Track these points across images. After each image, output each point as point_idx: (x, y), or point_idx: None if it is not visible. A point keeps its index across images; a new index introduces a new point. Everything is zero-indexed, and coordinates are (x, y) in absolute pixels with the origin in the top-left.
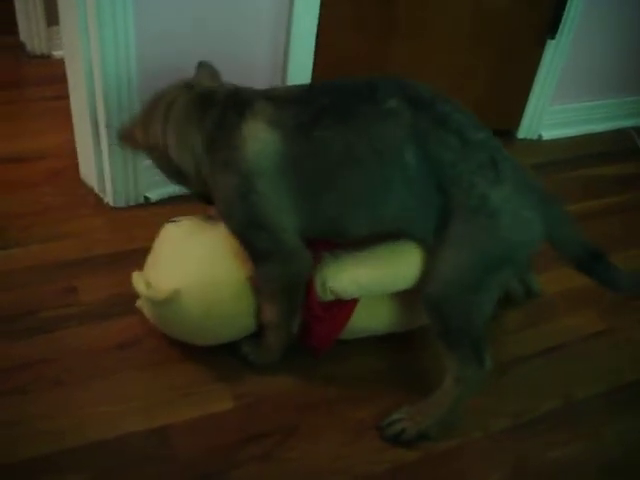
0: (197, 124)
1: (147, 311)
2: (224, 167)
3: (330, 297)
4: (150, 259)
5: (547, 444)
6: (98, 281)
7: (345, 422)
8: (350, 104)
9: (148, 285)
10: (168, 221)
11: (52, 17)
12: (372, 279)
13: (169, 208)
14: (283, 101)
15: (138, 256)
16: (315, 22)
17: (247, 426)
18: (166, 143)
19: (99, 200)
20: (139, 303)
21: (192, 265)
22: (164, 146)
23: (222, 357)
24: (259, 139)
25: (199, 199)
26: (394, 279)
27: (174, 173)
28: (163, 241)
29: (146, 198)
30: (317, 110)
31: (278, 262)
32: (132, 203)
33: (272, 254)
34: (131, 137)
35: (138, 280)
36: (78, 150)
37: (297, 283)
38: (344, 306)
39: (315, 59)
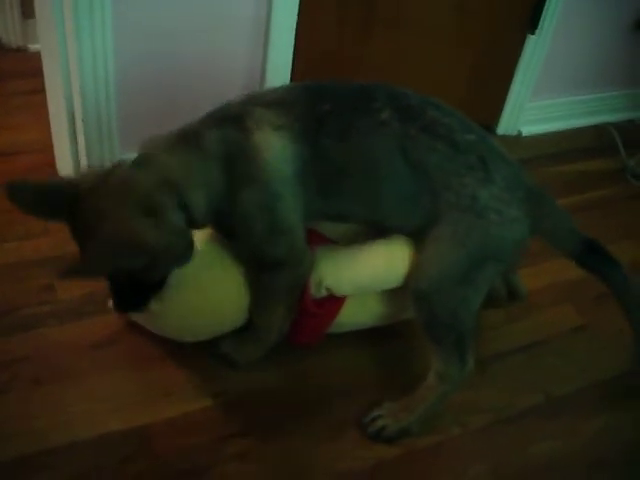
0: (205, 162)
1: (136, 316)
2: (242, 182)
3: (324, 294)
4: None
5: (527, 440)
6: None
7: (327, 419)
8: (348, 114)
9: None
10: None
11: (28, 10)
12: (367, 277)
13: None
14: (279, 105)
15: None
16: (294, 19)
17: (227, 424)
18: (171, 217)
19: None
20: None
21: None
22: (176, 223)
23: (200, 355)
24: (271, 146)
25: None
26: (388, 277)
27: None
28: None
29: None
30: (319, 116)
31: (289, 266)
32: None
33: (286, 259)
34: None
35: None
36: (55, 146)
37: (301, 283)
38: (336, 301)
39: (294, 56)
